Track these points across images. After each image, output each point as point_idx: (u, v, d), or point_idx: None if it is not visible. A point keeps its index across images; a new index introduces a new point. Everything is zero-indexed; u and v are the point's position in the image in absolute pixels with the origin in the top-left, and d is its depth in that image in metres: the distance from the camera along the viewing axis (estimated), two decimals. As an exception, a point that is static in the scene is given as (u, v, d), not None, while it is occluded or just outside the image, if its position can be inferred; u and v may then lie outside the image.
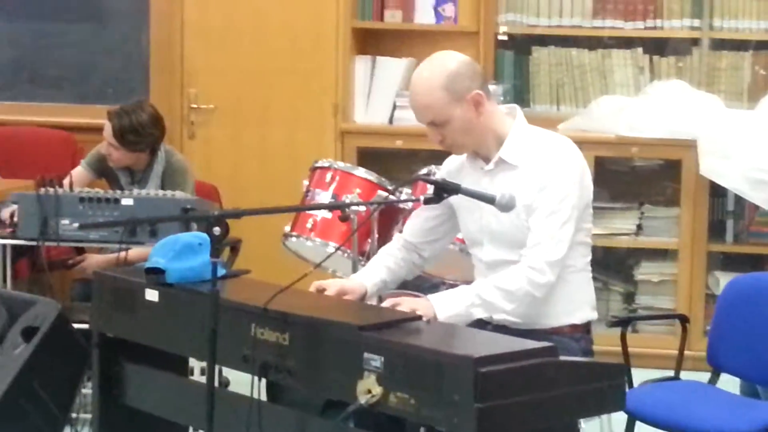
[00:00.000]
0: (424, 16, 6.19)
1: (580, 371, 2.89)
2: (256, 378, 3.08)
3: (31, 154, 6.11)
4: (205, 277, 3.14)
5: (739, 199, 5.80)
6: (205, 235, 3.13)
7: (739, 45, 6.08)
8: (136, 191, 4.80)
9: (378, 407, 2.81)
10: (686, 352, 4.31)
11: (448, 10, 6.17)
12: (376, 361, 2.82)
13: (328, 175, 4.63)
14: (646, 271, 6.03)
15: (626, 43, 6.18)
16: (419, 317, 3.09)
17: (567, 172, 3.50)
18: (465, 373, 2.66)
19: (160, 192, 4.74)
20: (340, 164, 4.70)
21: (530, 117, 3.76)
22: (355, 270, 4.22)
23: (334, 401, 3.02)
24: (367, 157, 5.94)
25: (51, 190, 4.62)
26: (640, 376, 4.17)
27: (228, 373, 4.58)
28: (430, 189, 3.50)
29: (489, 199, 3.36)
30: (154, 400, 3.56)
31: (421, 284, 4.48)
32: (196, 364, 3.89)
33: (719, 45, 6.08)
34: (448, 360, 2.71)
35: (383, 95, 6.17)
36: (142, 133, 5.01)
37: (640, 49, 6.16)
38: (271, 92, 6.18)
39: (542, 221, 3.45)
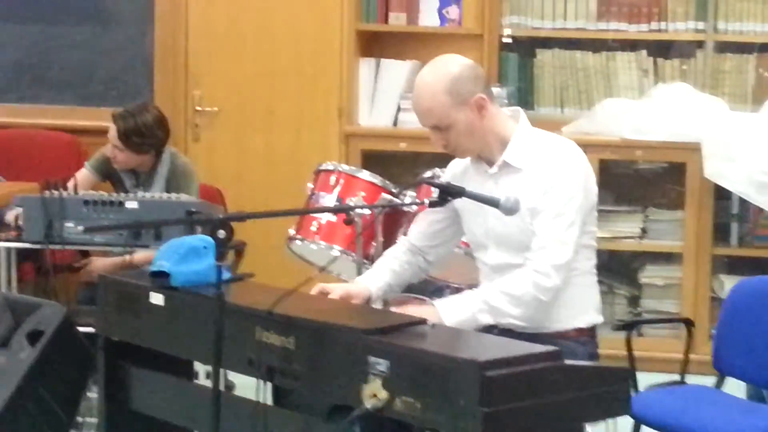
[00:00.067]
0: (428, 18, 6.19)
1: (586, 375, 2.89)
2: (261, 382, 3.08)
3: (35, 157, 6.12)
4: (210, 280, 3.14)
5: (743, 202, 5.79)
6: (209, 239, 3.13)
7: (743, 48, 6.07)
8: (140, 194, 4.80)
9: (383, 411, 2.81)
10: (691, 356, 4.31)
11: (453, 12, 6.16)
12: (382, 365, 2.82)
13: (333, 178, 4.62)
14: (650, 275, 6.02)
15: (630, 45, 6.18)
16: (424, 321, 3.09)
17: (571, 175, 3.50)
18: (471, 377, 2.66)
19: (165, 195, 4.74)
20: (345, 167, 4.69)
21: (534, 120, 3.76)
22: (359, 273, 4.21)
23: (340, 405, 3.01)
24: (371, 160, 5.94)
25: (56, 193, 4.62)
26: (645, 380, 4.17)
27: (233, 377, 4.56)
28: (435, 192, 3.50)
29: (493, 203, 3.36)
30: (160, 404, 3.56)
31: (426, 288, 4.47)
32: (201, 367, 3.89)
33: (723, 48, 6.07)
34: (454, 364, 2.71)
35: (387, 98, 6.16)
36: (146, 134, 5.01)
37: (644, 52, 6.16)
38: (276, 95, 6.18)
39: (547, 224, 3.45)
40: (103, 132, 5.15)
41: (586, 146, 3.83)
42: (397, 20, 6.20)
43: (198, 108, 6.26)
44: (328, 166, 4.71)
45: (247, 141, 6.22)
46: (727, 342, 4.16)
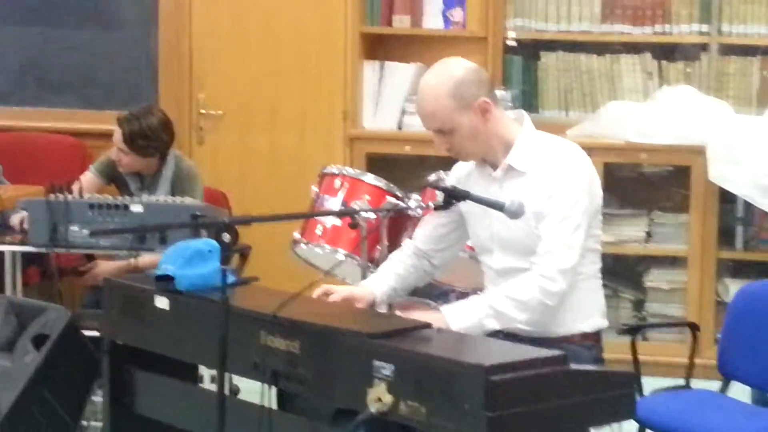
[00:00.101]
0: (432, 21, 6.18)
1: (591, 380, 2.89)
2: (266, 386, 3.08)
3: (39, 160, 6.11)
4: (214, 284, 3.14)
5: (748, 206, 5.78)
6: (214, 242, 3.13)
7: (747, 50, 6.06)
8: (145, 197, 4.80)
9: (388, 416, 2.81)
10: (696, 360, 4.30)
11: (457, 15, 6.16)
12: (387, 369, 2.82)
13: (337, 182, 4.62)
14: (655, 279, 6.01)
15: (635, 48, 6.17)
16: (429, 325, 3.09)
17: (576, 179, 3.50)
18: (476, 382, 2.65)
19: (170, 198, 4.74)
20: (349, 170, 4.69)
21: (538, 122, 3.75)
22: (364, 277, 4.21)
23: (345, 409, 3.01)
24: (375, 163, 5.93)
25: (61, 196, 4.61)
26: (650, 384, 4.16)
27: (238, 381, 4.57)
28: (440, 195, 3.50)
29: (498, 206, 3.36)
30: (164, 408, 3.56)
31: (431, 292, 4.47)
32: (206, 371, 3.89)
33: (728, 50, 6.06)
34: (459, 368, 2.71)
35: (392, 100, 6.16)
36: (151, 137, 5.01)
37: (648, 55, 6.15)
38: (280, 98, 6.18)
39: (552, 229, 3.45)
40: (107, 135, 5.15)
41: (591, 149, 3.83)
42: (401, 23, 6.19)
43: (202, 111, 6.26)
44: (333, 169, 4.70)
45: (251, 144, 6.22)
46: (732, 346, 4.15)
